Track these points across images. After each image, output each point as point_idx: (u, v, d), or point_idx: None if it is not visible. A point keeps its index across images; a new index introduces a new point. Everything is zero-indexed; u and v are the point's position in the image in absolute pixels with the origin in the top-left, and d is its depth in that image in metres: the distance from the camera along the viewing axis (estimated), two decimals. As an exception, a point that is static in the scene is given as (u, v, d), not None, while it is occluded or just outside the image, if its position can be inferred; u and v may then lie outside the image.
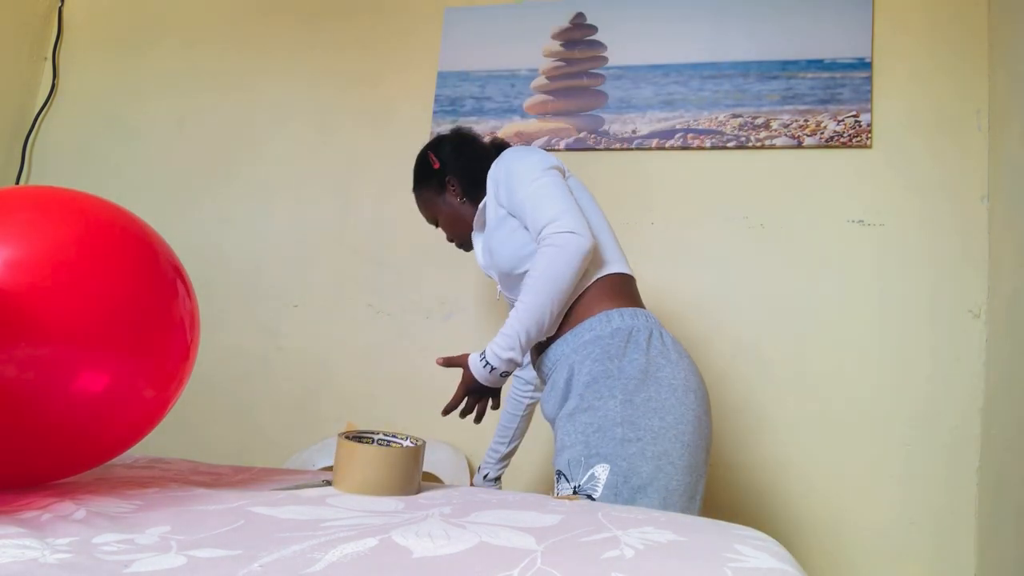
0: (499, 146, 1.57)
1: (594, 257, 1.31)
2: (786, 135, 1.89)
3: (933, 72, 1.82)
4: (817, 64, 1.89)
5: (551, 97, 2.09)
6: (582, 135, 2.04)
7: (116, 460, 0.97)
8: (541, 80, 2.11)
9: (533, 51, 2.13)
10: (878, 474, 1.71)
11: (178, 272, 0.83)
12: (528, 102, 2.11)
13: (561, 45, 2.11)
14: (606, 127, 2.03)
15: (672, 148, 1.97)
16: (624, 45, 2.06)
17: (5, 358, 0.67)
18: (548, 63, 2.11)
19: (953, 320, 1.72)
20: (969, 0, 1.83)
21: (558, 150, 2.05)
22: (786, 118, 1.89)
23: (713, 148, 1.94)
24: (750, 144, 1.91)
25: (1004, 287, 1.61)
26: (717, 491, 1.79)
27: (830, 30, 1.90)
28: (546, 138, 2.06)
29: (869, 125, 1.83)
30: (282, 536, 0.64)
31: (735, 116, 1.94)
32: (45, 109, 2.54)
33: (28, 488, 0.76)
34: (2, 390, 0.67)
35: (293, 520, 0.70)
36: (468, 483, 1.82)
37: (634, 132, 2.00)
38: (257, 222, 2.29)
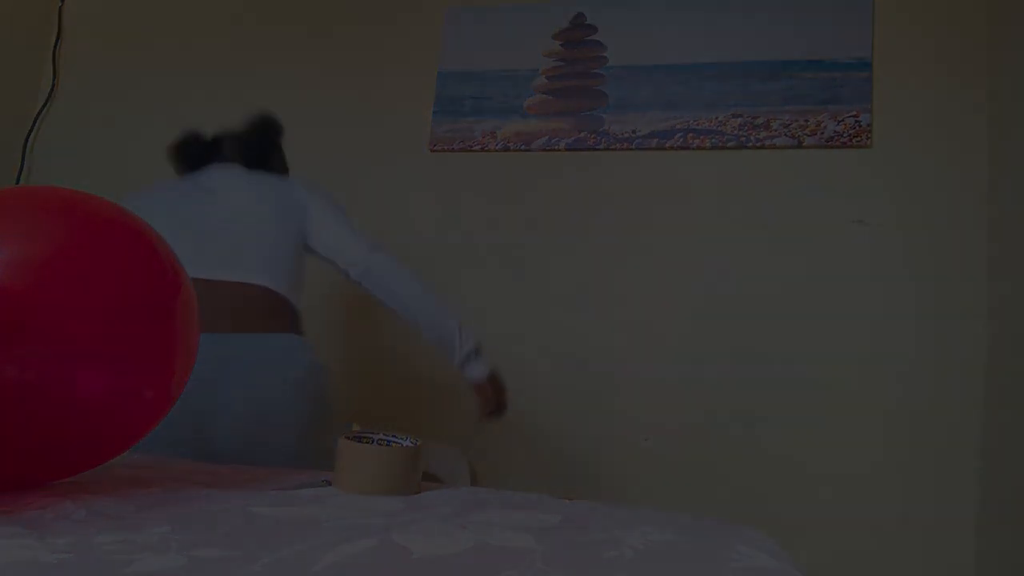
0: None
1: None
2: (786, 135, 1.89)
3: (933, 72, 1.82)
4: (817, 64, 1.89)
5: (551, 97, 2.09)
6: (582, 135, 2.04)
7: (116, 460, 0.97)
8: (541, 80, 2.11)
9: (533, 51, 2.13)
10: (878, 474, 1.71)
11: (178, 272, 0.83)
12: (528, 102, 2.11)
13: (561, 45, 2.11)
14: (606, 127, 2.03)
15: (672, 148, 1.97)
16: (624, 45, 2.06)
17: (5, 358, 0.67)
18: (548, 63, 2.11)
19: (953, 320, 1.72)
20: (969, 0, 1.83)
21: (558, 150, 2.05)
22: (786, 118, 1.89)
23: (713, 148, 1.94)
24: (750, 144, 1.91)
25: (1004, 287, 1.61)
26: (717, 491, 1.79)
27: (830, 30, 1.90)
28: (546, 138, 2.06)
29: (869, 125, 1.83)
30: (282, 536, 0.64)
31: (735, 116, 1.93)
32: (45, 109, 2.54)
33: (28, 488, 0.76)
34: (2, 390, 0.67)
35: (293, 520, 0.71)
36: (468, 483, 1.82)
37: (634, 132, 2.00)
38: (257, 222, 2.28)
